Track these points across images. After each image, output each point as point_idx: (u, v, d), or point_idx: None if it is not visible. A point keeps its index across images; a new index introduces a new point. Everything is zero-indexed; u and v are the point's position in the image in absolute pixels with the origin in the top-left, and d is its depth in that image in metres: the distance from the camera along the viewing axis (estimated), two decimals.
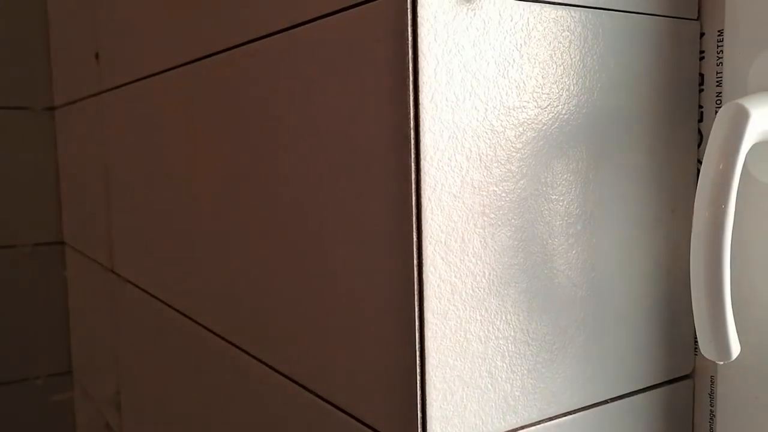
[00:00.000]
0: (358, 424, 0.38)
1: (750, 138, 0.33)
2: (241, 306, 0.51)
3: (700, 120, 0.41)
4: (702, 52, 0.41)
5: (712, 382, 0.42)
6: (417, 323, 0.32)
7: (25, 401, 1.05)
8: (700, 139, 0.42)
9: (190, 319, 0.61)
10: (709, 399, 0.43)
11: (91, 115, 0.87)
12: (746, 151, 0.33)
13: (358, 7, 0.35)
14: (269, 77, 0.44)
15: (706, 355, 0.34)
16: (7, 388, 1.04)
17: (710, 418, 0.42)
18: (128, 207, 0.76)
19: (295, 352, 0.44)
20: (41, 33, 1.05)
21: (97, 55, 0.81)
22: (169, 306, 0.66)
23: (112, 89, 0.77)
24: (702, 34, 0.41)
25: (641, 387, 0.41)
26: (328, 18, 0.37)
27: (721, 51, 0.39)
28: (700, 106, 0.41)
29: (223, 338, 0.55)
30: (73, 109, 0.96)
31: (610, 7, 0.38)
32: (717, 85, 0.40)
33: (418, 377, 0.33)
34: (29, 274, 1.06)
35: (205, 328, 0.58)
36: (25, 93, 1.04)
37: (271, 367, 0.47)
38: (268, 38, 0.44)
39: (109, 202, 0.82)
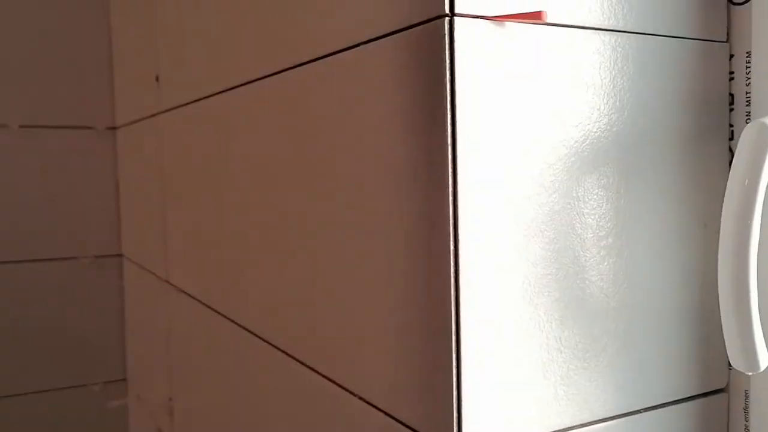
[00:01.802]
0: (397, 424, 0.40)
1: None
2: (291, 314, 0.54)
3: (731, 138, 0.43)
4: (731, 72, 0.42)
5: (747, 396, 0.43)
6: (453, 328, 0.35)
7: (83, 406, 1.11)
8: (731, 157, 0.43)
9: (241, 326, 0.64)
10: (744, 413, 0.43)
11: (150, 135, 0.92)
12: None
13: (400, 33, 0.38)
14: (317, 99, 0.47)
15: (734, 366, 0.36)
16: (66, 393, 1.10)
17: None
18: (183, 221, 0.81)
19: (341, 357, 0.47)
20: (105, 57, 1.12)
21: (157, 78, 0.86)
22: (221, 314, 0.69)
23: (170, 110, 0.82)
24: (731, 56, 0.42)
25: (674, 399, 0.42)
26: (371, 43, 0.40)
27: (750, 72, 0.41)
28: (731, 125, 0.43)
29: (271, 344, 0.57)
30: (134, 129, 1.02)
31: (640, 31, 0.39)
32: (746, 105, 0.41)
33: (455, 379, 0.35)
34: (89, 285, 1.12)
35: (255, 335, 0.61)
36: (89, 114, 1.11)
37: (318, 373, 0.50)
38: (316, 62, 0.47)
39: (164, 216, 0.87)
